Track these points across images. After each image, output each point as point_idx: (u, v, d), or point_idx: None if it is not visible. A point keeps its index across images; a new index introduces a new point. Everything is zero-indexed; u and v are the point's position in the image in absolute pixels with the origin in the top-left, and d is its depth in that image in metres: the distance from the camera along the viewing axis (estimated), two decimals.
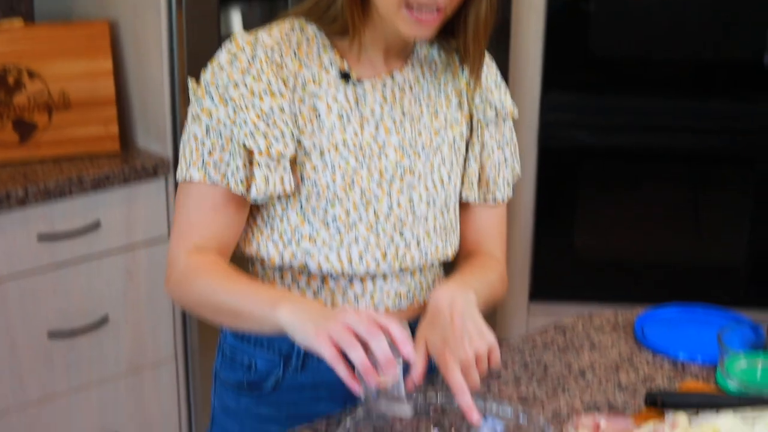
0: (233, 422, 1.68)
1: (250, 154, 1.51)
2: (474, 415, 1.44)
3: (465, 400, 1.44)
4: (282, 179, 1.52)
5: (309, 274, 1.58)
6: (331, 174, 1.55)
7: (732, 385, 1.67)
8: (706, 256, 3.96)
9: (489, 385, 1.68)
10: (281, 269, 1.59)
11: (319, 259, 1.57)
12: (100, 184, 2.64)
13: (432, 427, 1.51)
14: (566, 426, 1.54)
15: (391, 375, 1.35)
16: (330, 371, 1.37)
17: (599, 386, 1.69)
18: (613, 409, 1.61)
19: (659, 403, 1.56)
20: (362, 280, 1.60)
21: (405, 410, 1.43)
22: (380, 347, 1.33)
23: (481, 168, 1.70)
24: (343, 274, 1.57)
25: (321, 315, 1.37)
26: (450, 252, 1.68)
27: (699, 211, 4.02)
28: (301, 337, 1.38)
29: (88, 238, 2.66)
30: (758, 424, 1.48)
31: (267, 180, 1.51)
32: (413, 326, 1.66)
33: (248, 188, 1.52)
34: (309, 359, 1.61)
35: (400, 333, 1.35)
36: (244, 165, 1.52)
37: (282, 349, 1.60)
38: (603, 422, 1.49)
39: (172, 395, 2.94)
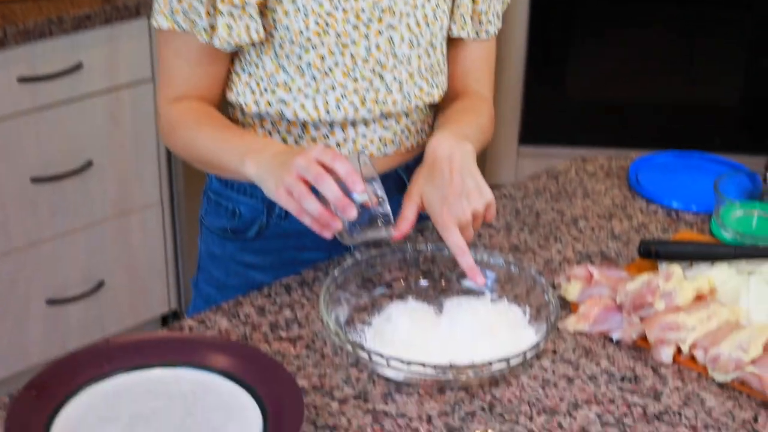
0: (218, 268, 1.65)
1: (213, 0, 1.44)
2: (478, 277, 1.41)
3: (467, 261, 1.41)
4: (248, 28, 1.45)
5: (288, 122, 1.54)
6: (303, 18, 1.47)
7: (727, 234, 1.64)
8: (699, 100, 3.91)
9: (479, 233, 1.65)
10: (260, 117, 1.54)
11: (295, 108, 1.51)
12: (81, 24, 2.55)
13: (421, 276, 1.49)
14: (558, 276, 1.51)
15: (350, 213, 1.32)
16: None
17: (592, 235, 1.66)
18: (606, 259, 1.59)
19: (653, 254, 1.54)
20: (343, 126, 1.54)
21: (385, 233, 1.40)
22: (329, 190, 1.30)
23: (473, 1, 1.61)
24: (321, 121, 1.52)
25: (280, 165, 1.35)
26: (437, 94, 1.61)
27: (693, 55, 3.95)
28: (267, 193, 1.38)
29: (69, 81, 2.59)
30: (754, 276, 1.47)
31: (230, 28, 1.44)
32: (402, 173, 1.62)
33: (212, 37, 1.46)
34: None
35: (345, 170, 1.31)
36: (208, 13, 1.44)
37: (265, 196, 1.56)
38: (596, 273, 1.46)
39: (159, 240, 2.92)
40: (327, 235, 1.35)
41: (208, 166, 1.53)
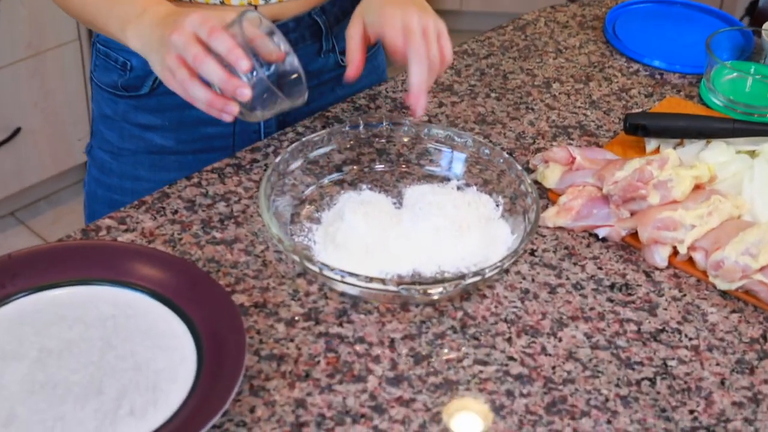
0: (112, 131, 1.43)
1: None
2: (418, 110, 1.22)
3: (418, 99, 1.21)
4: None
5: None
6: None
7: (717, 101, 1.45)
8: None
9: (441, 102, 1.43)
10: None
11: None
12: None
13: (376, 158, 1.28)
14: (532, 155, 1.32)
15: (243, 95, 1.11)
16: None
17: (568, 102, 1.46)
18: (585, 133, 1.39)
19: (640, 129, 1.34)
20: None
21: (299, 99, 1.20)
22: (211, 74, 1.10)
23: None
24: None
25: (159, 41, 1.13)
26: None
27: None
28: (155, 72, 1.17)
29: None
30: (758, 159, 1.28)
31: None
32: (316, 16, 1.37)
33: None
34: None
35: (225, 47, 1.09)
36: None
37: None
38: (578, 155, 1.27)
39: (78, 81, 2.66)
40: (227, 118, 1.14)
41: (94, 27, 1.30)
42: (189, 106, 1.15)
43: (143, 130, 1.40)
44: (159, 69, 1.13)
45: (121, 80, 1.38)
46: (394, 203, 1.23)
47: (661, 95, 1.48)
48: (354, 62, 1.24)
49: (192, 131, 1.35)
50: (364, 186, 1.25)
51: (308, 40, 1.35)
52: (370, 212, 1.19)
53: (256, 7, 1.29)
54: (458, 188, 1.24)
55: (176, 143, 1.37)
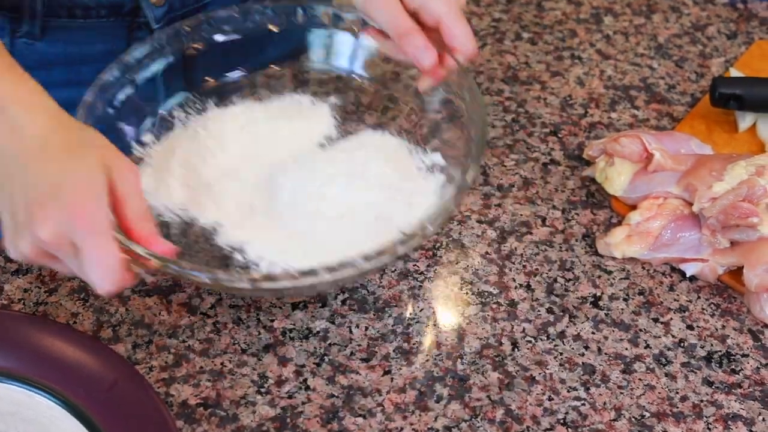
0: None
1: None
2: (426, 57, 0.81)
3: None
4: None
5: None
6: None
7: None
8: None
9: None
10: None
11: None
12: None
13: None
14: (591, 145, 0.95)
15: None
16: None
17: (627, 46, 1.08)
18: (654, 97, 1.03)
19: (733, 101, 0.98)
20: None
21: None
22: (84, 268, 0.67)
23: None
24: None
25: (18, 209, 0.67)
26: None
27: None
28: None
29: None
30: None
31: None
32: None
33: None
34: (50, 25, 0.93)
35: (149, 230, 0.69)
36: None
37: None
38: (657, 151, 0.90)
39: None
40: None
41: None
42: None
43: None
44: (7, 245, 0.69)
45: None
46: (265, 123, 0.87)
47: (749, 36, 1.11)
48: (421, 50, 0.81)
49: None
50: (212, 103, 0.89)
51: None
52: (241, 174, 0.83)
53: None
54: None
55: None
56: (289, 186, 0.81)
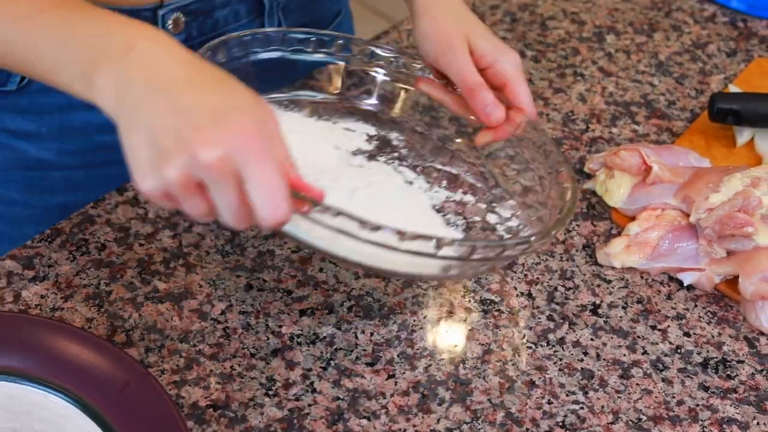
0: None
1: None
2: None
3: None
4: None
5: None
6: None
7: None
8: None
9: None
10: None
11: None
12: None
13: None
14: (591, 158, 0.98)
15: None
16: None
17: (628, 63, 1.11)
18: (654, 113, 1.05)
19: (731, 116, 1.00)
20: None
21: None
22: (226, 206, 0.65)
23: None
24: None
25: (165, 134, 0.64)
26: None
27: None
28: (128, 165, 0.67)
29: None
30: None
31: None
32: None
33: None
34: None
35: (296, 175, 0.68)
36: None
37: None
38: (655, 163, 0.93)
39: None
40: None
41: (21, 70, 0.78)
42: (74, 106, 0.76)
43: (12, 138, 0.99)
44: (140, 178, 0.66)
45: None
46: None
47: (748, 53, 1.14)
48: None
49: (81, 140, 0.98)
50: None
51: (243, 18, 0.97)
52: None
53: None
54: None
55: (59, 155, 0.99)
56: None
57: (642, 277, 0.90)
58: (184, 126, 0.63)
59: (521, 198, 0.88)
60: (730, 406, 0.81)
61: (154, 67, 0.65)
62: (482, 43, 0.86)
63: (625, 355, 0.84)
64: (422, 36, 0.88)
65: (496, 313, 0.86)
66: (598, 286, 0.89)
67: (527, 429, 0.78)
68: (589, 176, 0.98)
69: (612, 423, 0.79)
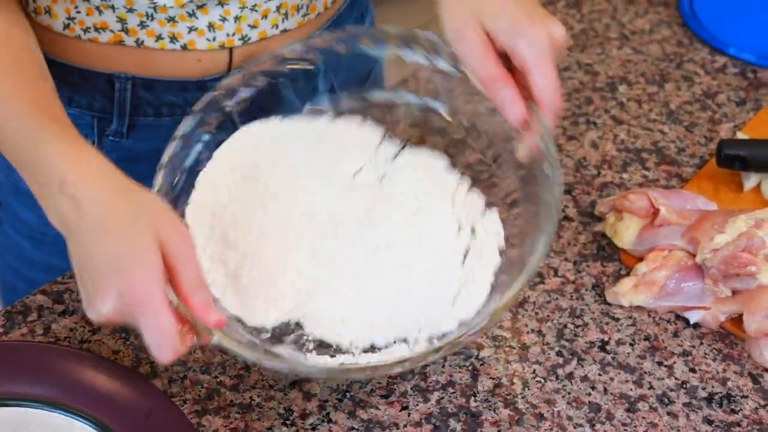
0: (29, 209, 1.03)
1: None
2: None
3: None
4: None
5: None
6: None
7: None
8: None
9: None
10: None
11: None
12: None
13: None
14: (602, 202, 1.01)
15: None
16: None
17: (640, 113, 1.15)
18: (664, 159, 1.09)
19: (738, 162, 1.04)
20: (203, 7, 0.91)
21: None
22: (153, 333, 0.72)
23: None
24: (156, 8, 0.89)
25: (107, 264, 0.71)
26: None
27: None
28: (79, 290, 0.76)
29: None
30: None
31: None
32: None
33: None
34: (137, 123, 0.98)
35: (199, 300, 0.72)
36: None
37: (94, 102, 0.97)
38: (662, 206, 0.96)
39: None
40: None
41: None
42: (136, 176, 0.81)
43: None
44: (85, 305, 0.74)
45: None
46: None
47: (757, 102, 1.17)
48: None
49: None
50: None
51: (299, 82, 1.00)
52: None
53: (231, 49, 0.95)
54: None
55: None
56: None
57: (649, 316, 0.93)
58: (95, 274, 0.71)
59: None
60: None
61: (78, 209, 0.72)
62: (493, 24, 0.76)
63: (631, 389, 0.86)
64: (442, 26, 0.79)
65: (507, 349, 0.89)
66: (607, 323, 0.92)
67: None
68: (600, 219, 1.01)
69: None
